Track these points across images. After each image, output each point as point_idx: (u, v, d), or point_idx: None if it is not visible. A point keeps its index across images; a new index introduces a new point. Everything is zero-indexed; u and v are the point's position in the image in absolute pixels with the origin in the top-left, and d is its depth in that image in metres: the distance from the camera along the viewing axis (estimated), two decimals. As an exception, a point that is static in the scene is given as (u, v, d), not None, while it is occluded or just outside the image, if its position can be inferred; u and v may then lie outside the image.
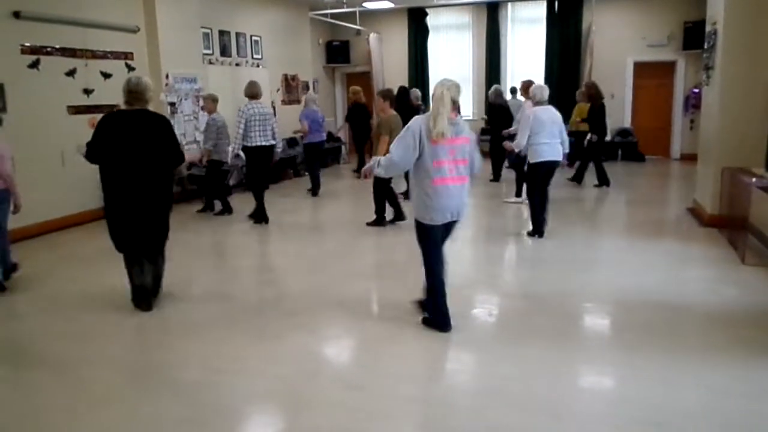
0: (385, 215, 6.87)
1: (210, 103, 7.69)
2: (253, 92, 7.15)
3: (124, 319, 4.23)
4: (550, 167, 6.10)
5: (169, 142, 4.26)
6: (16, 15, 6.60)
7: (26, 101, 6.74)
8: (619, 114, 12.31)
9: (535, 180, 6.17)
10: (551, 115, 6.10)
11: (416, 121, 3.61)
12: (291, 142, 11.24)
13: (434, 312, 3.84)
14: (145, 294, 4.33)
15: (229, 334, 3.94)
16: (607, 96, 9.63)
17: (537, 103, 6.17)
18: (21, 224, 6.06)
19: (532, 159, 6.09)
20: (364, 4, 12.26)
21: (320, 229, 7.37)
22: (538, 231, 6.17)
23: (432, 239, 3.74)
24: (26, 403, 3.13)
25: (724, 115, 6.26)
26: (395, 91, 7.72)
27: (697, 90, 11.44)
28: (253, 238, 6.86)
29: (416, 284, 4.01)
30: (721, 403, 2.92)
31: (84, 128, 7.39)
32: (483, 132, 12.44)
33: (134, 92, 4.18)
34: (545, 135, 5.97)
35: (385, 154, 6.15)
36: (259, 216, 7.23)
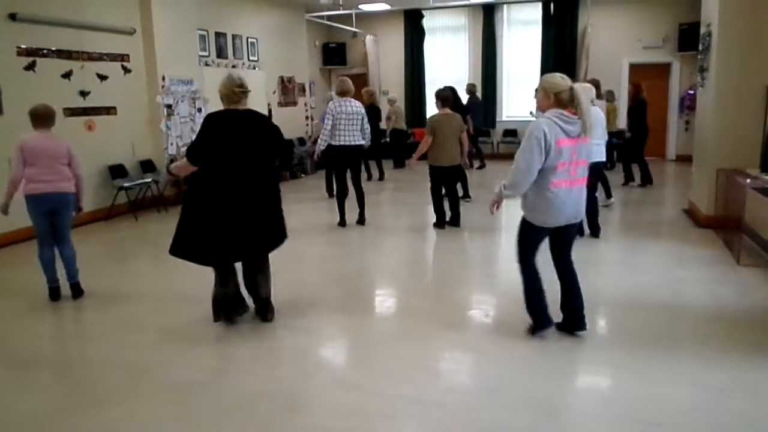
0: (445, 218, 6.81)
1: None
2: (343, 89, 6.88)
3: (120, 320, 4.22)
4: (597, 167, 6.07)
5: (272, 137, 3.99)
6: (12, 17, 6.60)
7: (22, 103, 6.71)
8: (615, 115, 12.35)
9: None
10: (596, 115, 6.03)
11: (538, 126, 3.33)
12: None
13: (531, 312, 3.76)
14: (232, 303, 4.08)
15: (225, 333, 3.95)
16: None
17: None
18: (23, 225, 6.05)
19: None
20: (360, 6, 12.28)
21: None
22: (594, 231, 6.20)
23: (536, 240, 3.63)
24: (23, 403, 3.13)
25: (719, 117, 6.30)
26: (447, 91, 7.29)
27: (692, 91, 11.50)
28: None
29: (415, 284, 4.00)
30: (718, 403, 2.93)
31: (80, 130, 7.42)
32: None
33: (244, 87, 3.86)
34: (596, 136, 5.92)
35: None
36: (363, 218, 7.05)
